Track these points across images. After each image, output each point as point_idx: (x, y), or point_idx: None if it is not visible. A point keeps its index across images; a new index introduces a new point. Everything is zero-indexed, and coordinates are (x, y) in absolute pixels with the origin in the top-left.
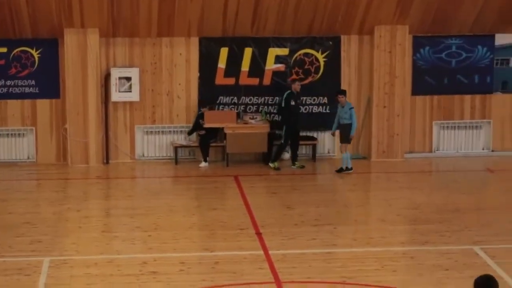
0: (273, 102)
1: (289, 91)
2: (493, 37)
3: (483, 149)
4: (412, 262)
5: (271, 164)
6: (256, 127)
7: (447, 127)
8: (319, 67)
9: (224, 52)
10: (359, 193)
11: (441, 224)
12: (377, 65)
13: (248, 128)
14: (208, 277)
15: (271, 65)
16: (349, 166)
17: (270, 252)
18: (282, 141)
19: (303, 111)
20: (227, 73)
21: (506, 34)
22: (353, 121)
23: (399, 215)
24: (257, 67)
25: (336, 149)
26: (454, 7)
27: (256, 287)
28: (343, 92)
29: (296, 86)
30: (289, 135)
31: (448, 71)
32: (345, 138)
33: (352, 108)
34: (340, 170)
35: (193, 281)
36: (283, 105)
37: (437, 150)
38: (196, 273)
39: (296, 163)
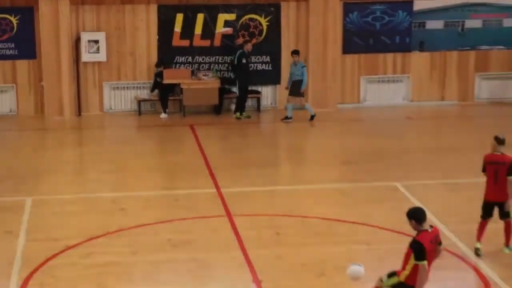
0: (223, 61)
1: (241, 51)
2: (411, 3)
3: (403, 100)
4: (343, 197)
5: (235, 115)
6: (208, 82)
7: (373, 81)
8: (262, 30)
9: (179, 17)
10: (298, 138)
11: (368, 164)
12: (312, 28)
13: (202, 84)
14: (170, 212)
15: (220, 28)
16: (313, 113)
17: (222, 190)
18: (238, 95)
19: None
20: (182, 36)
21: (423, 1)
22: (304, 78)
23: (333, 157)
24: (208, 31)
25: (278, 101)
26: None
27: (211, 220)
28: (297, 52)
29: (248, 47)
30: (241, 89)
31: (373, 33)
32: (296, 91)
33: (304, 66)
34: (312, 118)
35: (157, 215)
36: (235, 63)
37: (364, 101)
38: (159, 209)
39: (243, 113)
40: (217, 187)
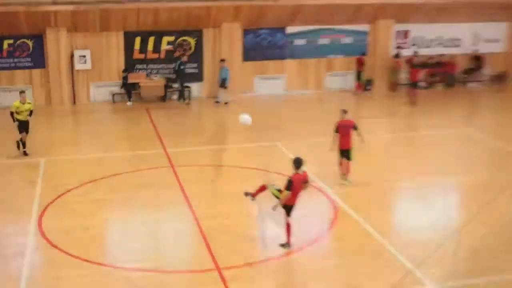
0: (167, 67)
1: (180, 61)
2: (284, 28)
3: (282, 90)
4: (247, 151)
5: (184, 101)
6: (157, 81)
7: (263, 78)
8: (191, 47)
9: (138, 39)
10: (217, 116)
11: (260, 131)
12: (224, 45)
13: (153, 82)
14: (133, 165)
15: (164, 46)
16: (227, 101)
17: (168, 150)
18: (179, 89)
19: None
20: (140, 51)
21: (291, 27)
22: (227, 77)
23: (236, 127)
24: (157, 48)
25: (202, 93)
26: (264, 13)
27: (160, 169)
28: (223, 60)
29: (185, 58)
30: (181, 85)
31: (262, 47)
32: (223, 86)
33: (228, 70)
34: (226, 103)
35: (125, 167)
36: (176, 68)
37: (257, 91)
38: (126, 164)
39: (186, 100)
40: (164, 149)
